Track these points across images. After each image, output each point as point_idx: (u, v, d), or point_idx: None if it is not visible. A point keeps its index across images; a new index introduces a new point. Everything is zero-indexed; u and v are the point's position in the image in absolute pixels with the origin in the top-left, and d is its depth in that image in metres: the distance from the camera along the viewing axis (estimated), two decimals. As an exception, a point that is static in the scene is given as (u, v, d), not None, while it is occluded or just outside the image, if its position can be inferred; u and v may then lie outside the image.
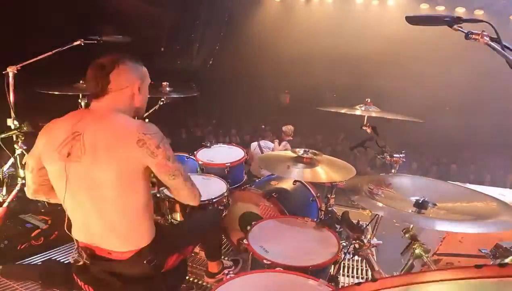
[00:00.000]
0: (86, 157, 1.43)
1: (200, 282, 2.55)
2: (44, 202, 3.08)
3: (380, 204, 1.51)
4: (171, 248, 1.73)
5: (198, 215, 2.36)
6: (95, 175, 1.44)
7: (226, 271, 2.39)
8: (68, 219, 1.58)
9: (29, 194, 1.68)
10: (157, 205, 2.51)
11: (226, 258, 2.66)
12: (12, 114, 2.75)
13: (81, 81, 3.23)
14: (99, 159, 1.42)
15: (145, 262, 1.57)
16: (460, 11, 9.63)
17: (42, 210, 3.17)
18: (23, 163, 1.66)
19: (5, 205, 2.79)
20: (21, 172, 2.80)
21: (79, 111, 1.60)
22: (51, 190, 1.61)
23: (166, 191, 2.46)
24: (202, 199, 2.42)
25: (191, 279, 2.57)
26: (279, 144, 5.64)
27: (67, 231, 1.59)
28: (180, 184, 1.59)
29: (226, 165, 3.00)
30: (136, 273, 1.59)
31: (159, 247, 1.62)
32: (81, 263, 1.56)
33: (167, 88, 3.05)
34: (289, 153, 2.46)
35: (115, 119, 1.50)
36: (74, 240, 1.60)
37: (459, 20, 1.24)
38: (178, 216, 2.54)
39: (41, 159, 1.55)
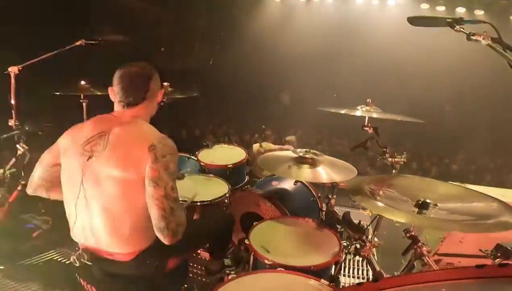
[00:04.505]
0: (105, 153, 1.48)
1: (200, 282, 2.55)
2: (45, 202, 3.09)
3: (381, 204, 1.51)
4: (172, 250, 1.73)
5: (203, 221, 2.35)
6: (107, 172, 1.47)
7: (227, 271, 2.38)
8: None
9: (30, 188, 1.69)
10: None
11: (228, 258, 2.66)
12: (14, 114, 2.76)
13: (82, 82, 3.25)
14: (114, 158, 1.47)
15: (147, 262, 1.58)
16: (460, 12, 9.61)
17: (43, 210, 3.18)
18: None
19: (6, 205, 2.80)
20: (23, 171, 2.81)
21: (107, 116, 1.63)
22: (54, 187, 1.65)
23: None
24: (203, 199, 2.45)
25: (191, 279, 2.57)
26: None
27: (72, 237, 1.61)
28: (158, 198, 1.44)
29: (228, 166, 2.99)
30: (138, 274, 1.60)
31: (161, 249, 1.61)
32: (81, 263, 1.57)
33: (168, 89, 3.05)
34: (290, 153, 2.46)
35: (142, 126, 1.57)
36: (78, 243, 1.61)
37: (460, 21, 1.24)
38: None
39: (59, 156, 1.59)
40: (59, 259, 2.76)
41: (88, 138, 1.53)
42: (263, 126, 10.54)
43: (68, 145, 1.58)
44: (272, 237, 2.09)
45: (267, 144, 5.53)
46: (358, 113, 2.55)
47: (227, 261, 2.40)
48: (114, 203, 1.49)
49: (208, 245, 2.34)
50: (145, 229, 1.56)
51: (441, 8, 9.92)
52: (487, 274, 0.53)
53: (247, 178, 3.25)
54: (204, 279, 2.43)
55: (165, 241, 1.48)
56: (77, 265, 1.58)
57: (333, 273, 2.07)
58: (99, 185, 1.49)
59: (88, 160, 1.50)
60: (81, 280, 1.64)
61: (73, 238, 1.62)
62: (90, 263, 1.57)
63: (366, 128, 2.41)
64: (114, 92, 1.61)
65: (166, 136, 1.57)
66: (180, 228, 1.50)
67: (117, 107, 1.63)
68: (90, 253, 1.57)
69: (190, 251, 1.90)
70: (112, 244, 1.54)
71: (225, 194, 2.57)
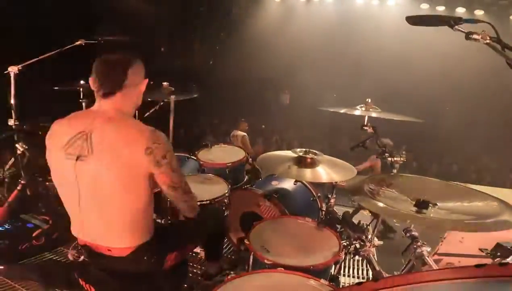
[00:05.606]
0: (93, 157, 1.44)
1: (200, 282, 2.55)
2: (45, 201, 3.09)
3: (381, 204, 1.51)
4: (170, 245, 1.73)
5: (199, 214, 2.36)
6: (99, 174, 1.44)
7: (226, 272, 2.38)
8: (69, 217, 1.59)
9: None
10: (157, 204, 2.51)
11: (225, 260, 2.66)
12: (13, 114, 2.76)
13: (81, 81, 3.25)
14: (104, 160, 1.43)
15: (145, 258, 1.58)
16: (460, 11, 9.61)
17: (43, 210, 3.18)
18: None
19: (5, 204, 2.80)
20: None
21: (84, 112, 1.60)
22: None
23: None
24: (203, 199, 2.45)
25: (191, 279, 2.57)
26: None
27: (72, 233, 1.60)
28: (179, 197, 1.62)
29: (227, 164, 3.00)
30: (136, 270, 1.60)
31: (159, 244, 1.63)
32: (80, 259, 1.57)
33: (168, 88, 3.05)
34: (290, 153, 2.45)
35: (126, 123, 1.50)
36: (77, 239, 1.61)
37: (459, 20, 1.23)
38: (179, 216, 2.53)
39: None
40: (58, 259, 2.75)
41: (68, 140, 1.46)
42: (263, 126, 10.55)
43: (51, 148, 1.54)
44: (272, 237, 2.08)
45: (237, 132, 5.87)
46: (357, 112, 2.55)
47: (224, 264, 2.39)
48: (110, 204, 1.48)
49: (204, 244, 2.34)
50: (143, 225, 1.56)
51: (441, 8, 9.92)
52: (487, 273, 0.53)
53: (246, 177, 3.25)
54: (203, 279, 2.43)
55: (190, 216, 1.78)
56: (75, 260, 1.58)
57: (333, 273, 2.07)
58: (94, 184, 1.46)
59: (77, 160, 1.45)
60: (80, 280, 1.64)
61: (73, 233, 1.61)
62: (87, 260, 1.57)
63: (366, 128, 2.41)
64: (93, 82, 1.54)
65: (154, 129, 1.50)
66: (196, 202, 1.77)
67: (96, 98, 1.55)
68: (88, 249, 1.57)
69: (187, 247, 1.91)
70: (109, 240, 1.54)
71: (225, 193, 2.57)
